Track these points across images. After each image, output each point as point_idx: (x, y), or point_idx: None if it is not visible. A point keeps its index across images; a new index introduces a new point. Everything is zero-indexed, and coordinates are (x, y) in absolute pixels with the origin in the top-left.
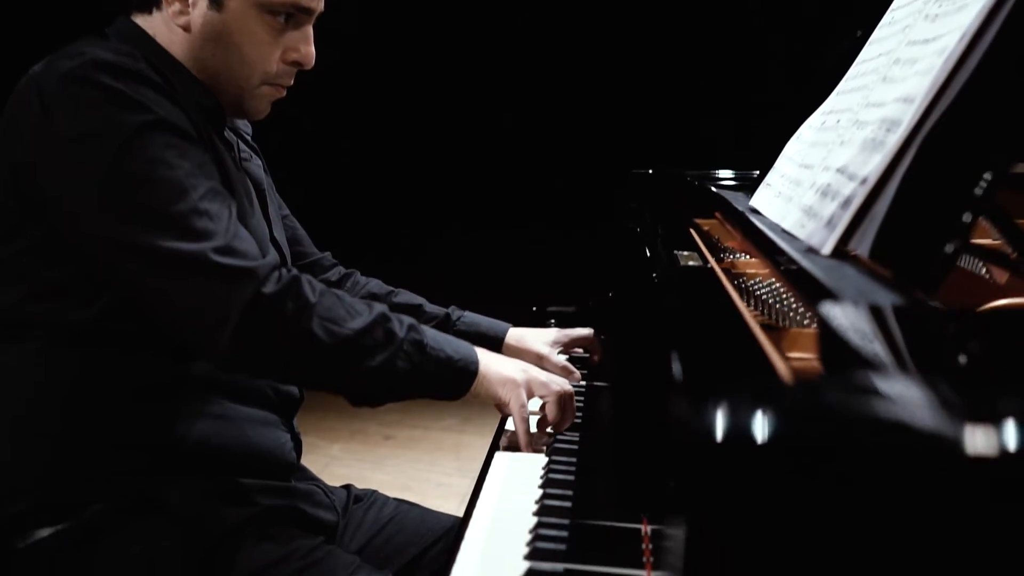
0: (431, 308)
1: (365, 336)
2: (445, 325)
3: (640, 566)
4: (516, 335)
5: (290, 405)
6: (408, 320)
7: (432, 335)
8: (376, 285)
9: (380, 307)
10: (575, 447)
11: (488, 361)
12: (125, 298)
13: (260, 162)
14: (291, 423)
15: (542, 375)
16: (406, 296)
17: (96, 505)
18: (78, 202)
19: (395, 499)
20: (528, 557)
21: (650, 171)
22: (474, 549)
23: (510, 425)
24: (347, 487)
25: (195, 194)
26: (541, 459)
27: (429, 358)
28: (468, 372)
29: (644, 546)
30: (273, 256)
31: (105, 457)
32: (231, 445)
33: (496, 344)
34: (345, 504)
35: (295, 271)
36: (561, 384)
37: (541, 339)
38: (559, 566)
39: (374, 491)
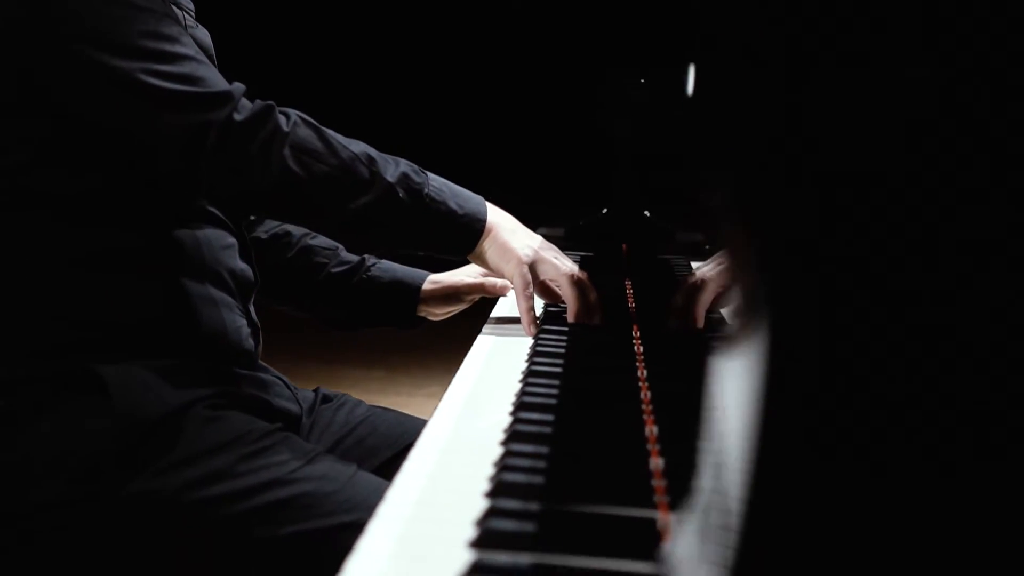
0: (346, 254)
1: (345, 175)
2: (357, 271)
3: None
4: (434, 279)
5: (246, 288)
6: (406, 163)
7: (438, 182)
8: (292, 225)
9: (366, 147)
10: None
11: (498, 223)
12: (51, 151)
13: (207, 32)
14: (248, 309)
15: (551, 256)
16: (322, 240)
17: (30, 382)
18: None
19: (368, 404)
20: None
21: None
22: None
23: (498, 310)
24: (315, 389)
25: (165, 30)
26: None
27: (426, 210)
28: (474, 228)
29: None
30: (242, 86)
31: (41, 331)
32: (181, 324)
33: (413, 293)
34: (312, 404)
35: (270, 102)
36: (571, 267)
37: (464, 272)
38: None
39: (345, 393)
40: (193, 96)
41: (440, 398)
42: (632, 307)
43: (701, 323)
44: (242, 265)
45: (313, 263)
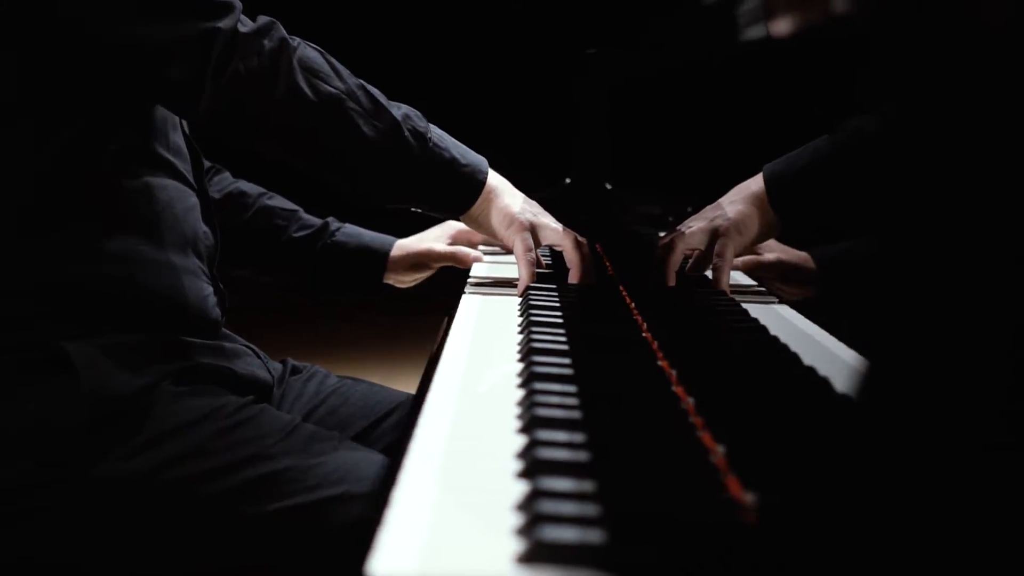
0: (307, 217)
1: (351, 99)
2: (320, 236)
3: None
4: (401, 245)
5: (211, 251)
6: (407, 107)
7: (438, 131)
8: (246, 184)
9: (360, 81)
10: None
11: (496, 185)
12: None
13: None
14: (214, 274)
15: (551, 221)
16: (281, 200)
17: None
18: None
19: (338, 376)
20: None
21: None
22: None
23: (476, 270)
24: (283, 361)
25: None
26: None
27: (429, 152)
28: (475, 181)
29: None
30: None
31: None
32: (143, 293)
33: (380, 259)
34: (282, 375)
35: (272, 18)
36: (570, 231)
37: (431, 238)
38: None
39: (315, 365)
40: (195, 3)
41: (413, 380)
42: (609, 267)
43: (676, 277)
44: (204, 228)
45: (272, 225)
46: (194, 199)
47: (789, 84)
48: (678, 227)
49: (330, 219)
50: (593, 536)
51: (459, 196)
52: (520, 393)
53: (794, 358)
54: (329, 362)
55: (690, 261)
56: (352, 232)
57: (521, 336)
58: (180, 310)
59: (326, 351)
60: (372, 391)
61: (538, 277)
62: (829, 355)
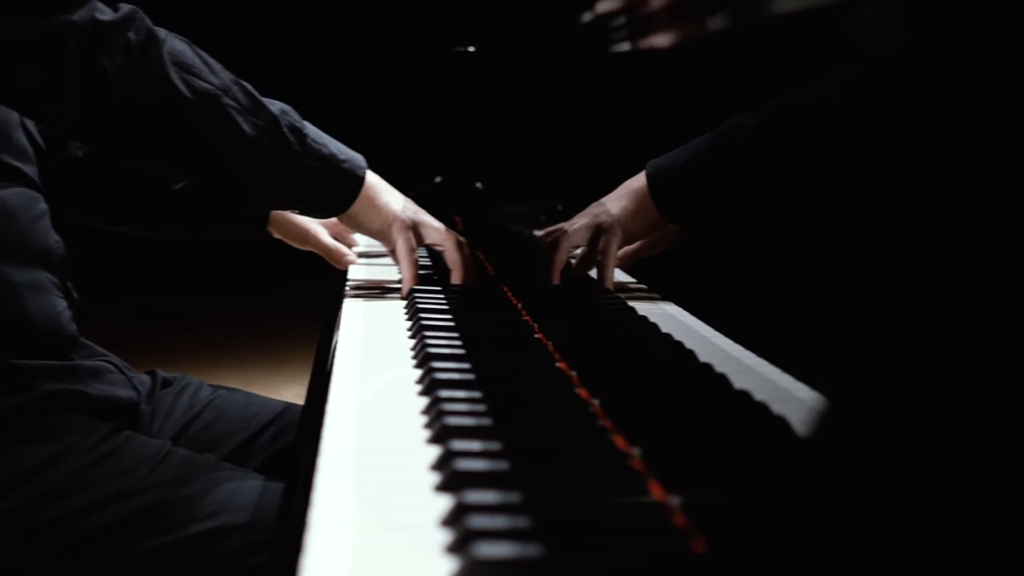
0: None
1: (228, 96)
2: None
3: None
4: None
5: (64, 262)
6: (279, 103)
7: (312, 126)
8: None
9: (233, 75)
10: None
11: (374, 183)
12: None
13: None
14: (66, 284)
15: (431, 220)
16: None
17: None
18: None
19: (212, 385)
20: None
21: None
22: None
23: (354, 273)
24: (151, 371)
25: None
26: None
27: (309, 149)
28: (355, 178)
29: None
30: None
31: None
32: None
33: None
34: (151, 389)
35: (134, 6)
36: (452, 231)
37: (317, 221)
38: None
39: (185, 375)
40: None
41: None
42: (490, 268)
43: (561, 275)
44: (56, 237)
45: (151, 173)
46: (43, 205)
47: (657, 90)
48: (562, 225)
49: None
50: (532, 551)
51: (339, 194)
52: (423, 401)
53: (690, 354)
54: (200, 371)
55: (576, 260)
56: None
57: (413, 341)
58: (23, 333)
59: (196, 359)
60: (249, 402)
61: (419, 279)
62: (721, 352)
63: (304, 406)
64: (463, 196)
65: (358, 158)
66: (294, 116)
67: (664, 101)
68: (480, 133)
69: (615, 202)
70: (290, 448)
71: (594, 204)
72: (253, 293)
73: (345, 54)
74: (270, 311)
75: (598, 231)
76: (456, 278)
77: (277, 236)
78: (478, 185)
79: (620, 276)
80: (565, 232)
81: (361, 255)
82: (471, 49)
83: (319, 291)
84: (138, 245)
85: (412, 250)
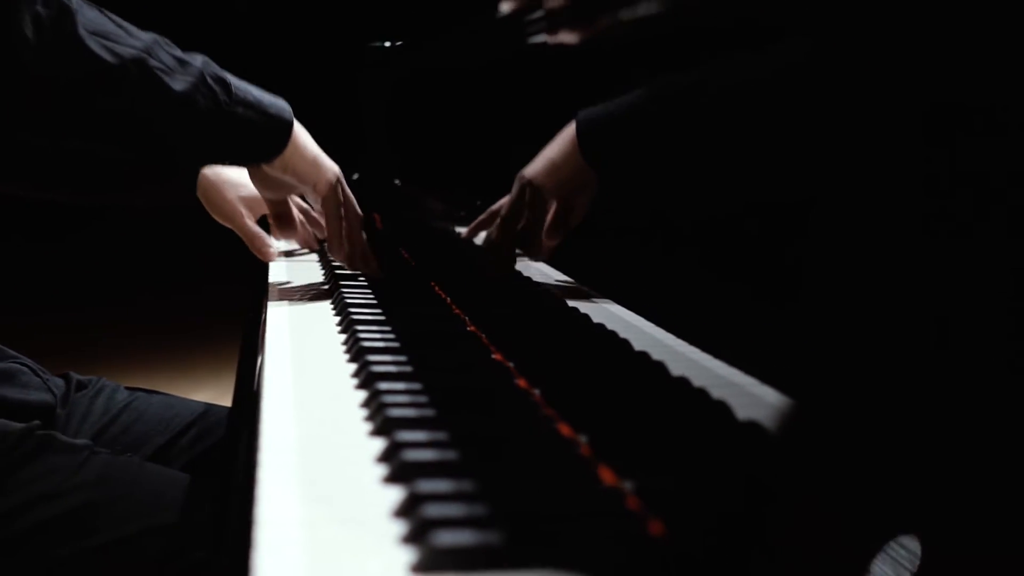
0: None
1: (153, 57)
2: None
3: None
4: (220, 179)
5: None
6: (200, 55)
7: (233, 76)
8: None
9: (152, 34)
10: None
11: (302, 130)
12: None
13: None
14: None
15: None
16: None
17: None
18: None
19: (128, 387)
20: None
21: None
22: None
23: (275, 274)
24: (65, 375)
25: None
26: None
27: (236, 98)
28: (283, 121)
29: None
30: None
31: None
32: None
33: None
34: (65, 393)
35: None
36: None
37: (239, 202)
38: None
39: (100, 377)
40: None
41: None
42: (412, 262)
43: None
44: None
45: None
46: None
47: (571, 85)
48: (490, 209)
49: None
50: (492, 538)
51: (271, 139)
52: (361, 395)
53: (625, 343)
54: (116, 373)
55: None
56: None
57: (344, 335)
58: None
59: (112, 362)
60: (168, 403)
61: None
62: (655, 341)
63: (233, 405)
64: (382, 193)
65: (282, 102)
66: (215, 66)
67: (577, 96)
68: (398, 129)
69: (536, 162)
70: (219, 448)
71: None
72: (163, 297)
73: (258, 48)
74: (179, 315)
75: (525, 193)
76: (335, 253)
77: (207, 209)
78: (397, 182)
79: (554, 274)
80: (497, 213)
81: (283, 253)
82: (387, 44)
83: (227, 295)
84: (47, 247)
85: (340, 205)
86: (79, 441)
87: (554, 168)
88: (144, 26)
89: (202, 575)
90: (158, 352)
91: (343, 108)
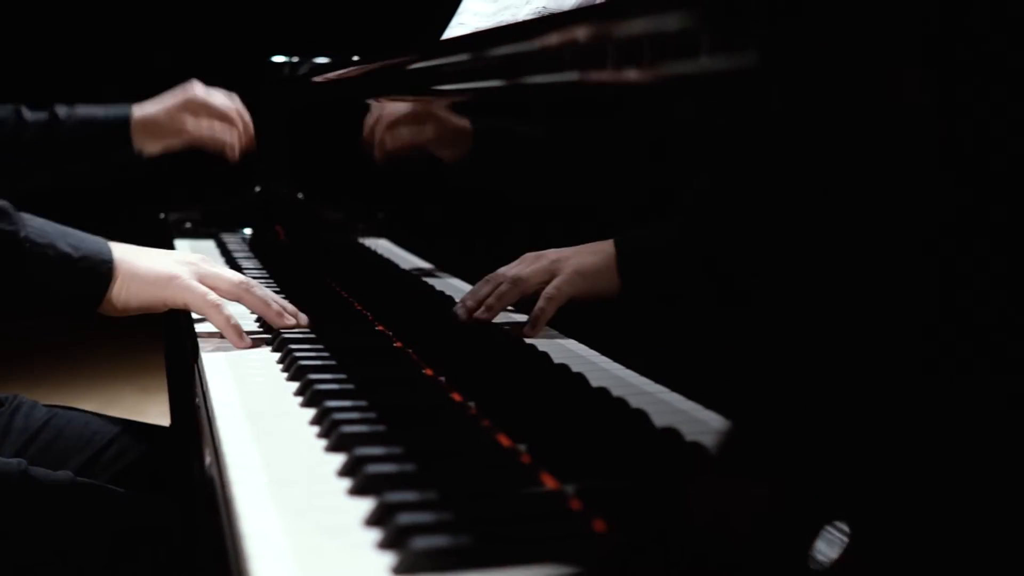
0: (30, 113)
1: None
2: (53, 126)
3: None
4: (151, 110)
5: None
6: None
7: (37, 223)
8: None
9: None
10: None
11: (127, 258)
12: None
13: None
14: None
15: (211, 267)
16: None
17: None
18: None
19: (46, 404)
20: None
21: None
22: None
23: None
24: None
25: None
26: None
27: (28, 257)
28: (97, 275)
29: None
30: None
31: None
32: None
33: (123, 130)
34: None
35: None
36: (233, 273)
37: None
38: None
39: (17, 394)
40: None
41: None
42: (321, 276)
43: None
44: None
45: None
46: None
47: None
48: (505, 273)
49: (56, 105)
50: (463, 540)
51: (82, 292)
52: (309, 412)
53: (544, 356)
54: (32, 390)
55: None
56: (86, 114)
57: (279, 354)
58: None
59: (28, 378)
60: (87, 420)
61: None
62: (572, 354)
63: (174, 422)
64: (284, 206)
65: (99, 248)
66: (4, 219)
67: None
68: (302, 142)
69: (578, 256)
70: (142, 463)
71: (539, 255)
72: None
73: (160, 60)
74: (88, 328)
75: (551, 277)
76: (274, 321)
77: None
78: (299, 195)
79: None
80: (519, 278)
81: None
82: (290, 60)
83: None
84: None
85: (205, 294)
86: (13, 460)
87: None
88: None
89: None
90: (69, 367)
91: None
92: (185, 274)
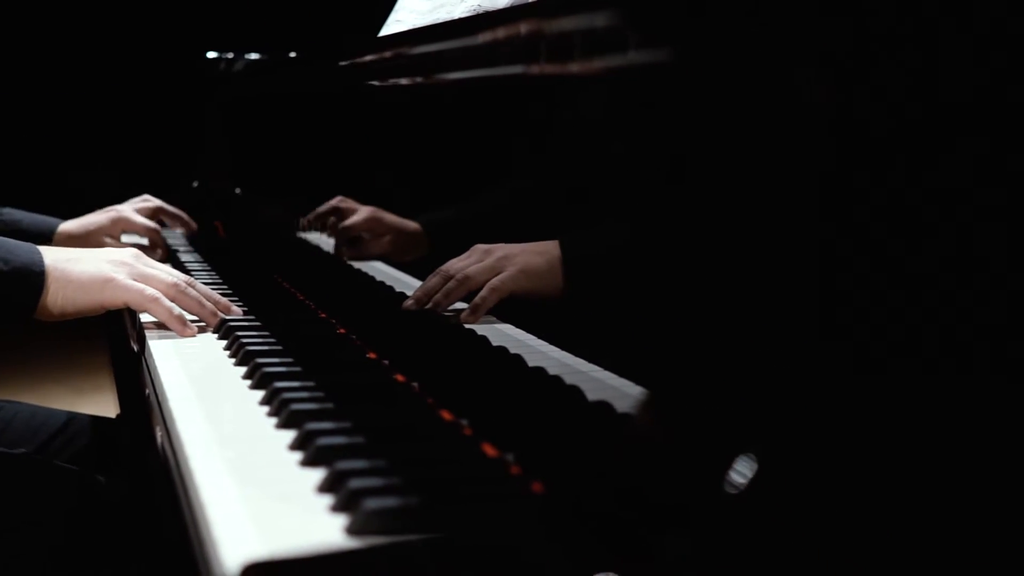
0: None
1: None
2: None
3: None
4: (75, 227)
5: None
6: None
7: None
8: None
9: None
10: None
11: (58, 265)
12: None
13: None
14: None
15: (144, 264)
16: None
17: None
18: None
19: None
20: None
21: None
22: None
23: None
24: None
25: None
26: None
27: None
28: (30, 285)
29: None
30: None
31: None
32: None
33: (45, 242)
34: None
35: None
36: (169, 271)
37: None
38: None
39: None
40: None
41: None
42: (264, 268)
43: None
44: None
45: None
46: None
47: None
48: (453, 267)
49: None
50: (412, 501)
51: (15, 302)
52: (259, 393)
53: (483, 339)
54: None
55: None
56: (10, 219)
57: (225, 341)
58: None
59: None
60: (32, 413)
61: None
62: (509, 337)
63: (123, 408)
64: (223, 201)
65: (31, 258)
66: None
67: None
68: (240, 139)
69: (524, 255)
70: (89, 453)
71: (488, 250)
72: None
73: (93, 54)
74: (21, 335)
75: (496, 273)
76: (209, 320)
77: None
78: (237, 190)
79: (402, 277)
80: (467, 277)
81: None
82: (225, 56)
83: None
84: None
85: (142, 291)
86: None
87: (534, 276)
88: None
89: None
90: (7, 362)
91: (181, 116)
92: (121, 275)
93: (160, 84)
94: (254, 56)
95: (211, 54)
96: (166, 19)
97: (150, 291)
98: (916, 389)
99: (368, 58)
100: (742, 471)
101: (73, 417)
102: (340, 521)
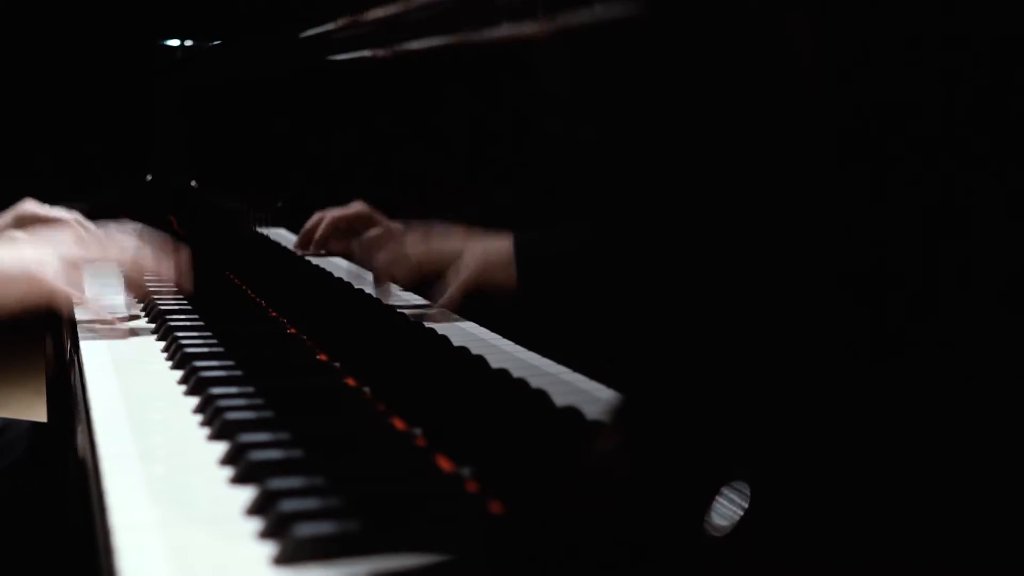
0: None
1: None
2: None
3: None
4: None
5: None
6: None
7: None
8: None
9: None
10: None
11: None
12: None
13: None
14: None
15: (72, 246)
16: None
17: None
18: None
19: None
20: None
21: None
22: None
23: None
24: None
25: None
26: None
27: None
28: None
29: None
30: None
31: None
32: None
33: None
34: None
35: None
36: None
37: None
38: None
39: None
40: None
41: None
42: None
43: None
44: None
45: None
46: None
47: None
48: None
49: None
50: (349, 526)
51: None
52: (193, 400)
53: (444, 339)
54: None
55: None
56: None
57: (163, 343)
58: None
59: None
60: None
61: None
62: (471, 336)
63: (50, 421)
64: (177, 195)
65: None
66: None
67: (376, 99)
68: (195, 130)
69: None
70: (25, 461)
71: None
72: None
73: (41, 45)
74: None
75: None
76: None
77: None
78: (193, 183)
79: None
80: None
81: None
82: (182, 44)
83: None
84: None
85: (80, 299)
86: None
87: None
88: None
89: None
90: None
91: (132, 108)
92: (48, 274)
93: (110, 74)
94: (212, 43)
95: (170, 42)
96: (114, 5)
97: (76, 295)
98: (916, 392)
99: (333, 25)
100: (730, 506)
101: (8, 424)
102: (268, 550)
